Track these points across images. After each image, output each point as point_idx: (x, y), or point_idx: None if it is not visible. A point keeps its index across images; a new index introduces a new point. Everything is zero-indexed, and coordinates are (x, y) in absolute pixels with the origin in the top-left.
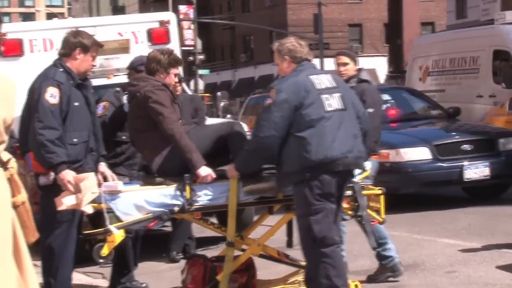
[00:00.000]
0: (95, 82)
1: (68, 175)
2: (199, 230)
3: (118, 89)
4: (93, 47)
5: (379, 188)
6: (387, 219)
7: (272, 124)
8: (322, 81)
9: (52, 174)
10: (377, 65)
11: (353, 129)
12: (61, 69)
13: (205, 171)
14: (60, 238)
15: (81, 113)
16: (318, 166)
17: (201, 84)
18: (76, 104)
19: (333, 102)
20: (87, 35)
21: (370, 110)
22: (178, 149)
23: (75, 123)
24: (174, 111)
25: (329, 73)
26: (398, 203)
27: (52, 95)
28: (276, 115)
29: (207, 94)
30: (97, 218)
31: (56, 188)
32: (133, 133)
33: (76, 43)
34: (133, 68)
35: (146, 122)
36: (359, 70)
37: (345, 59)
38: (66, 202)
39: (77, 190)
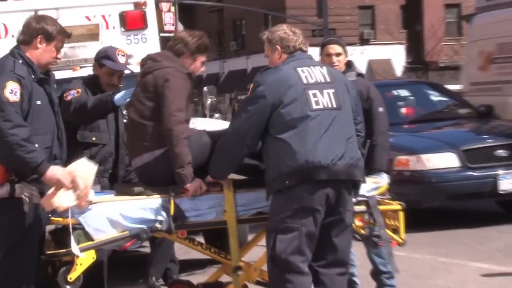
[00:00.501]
0: (59, 74)
1: (57, 170)
2: (182, 252)
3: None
4: (59, 36)
5: (398, 202)
6: (407, 239)
7: (243, 122)
8: (313, 74)
9: (7, 185)
10: (393, 55)
11: (346, 132)
12: (20, 61)
13: (194, 185)
14: (16, 262)
15: (43, 113)
16: (297, 173)
17: None
18: (38, 102)
19: (322, 99)
20: (53, 21)
21: (381, 109)
22: (170, 155)
23: (37, 125)
24: (186, 110)
25: (325, 66)
26: (420, 219)
27: (12, 91)
28: (250, 111)
29: None
30: (63, 236)
31: (13, 202)
32: (134, 117)
33: (38, 30)
34: (97, 61)
35: (157, 108)
36: (349, 63)
37: (337, 48)
38: (63, 202)
39: (74, 185)
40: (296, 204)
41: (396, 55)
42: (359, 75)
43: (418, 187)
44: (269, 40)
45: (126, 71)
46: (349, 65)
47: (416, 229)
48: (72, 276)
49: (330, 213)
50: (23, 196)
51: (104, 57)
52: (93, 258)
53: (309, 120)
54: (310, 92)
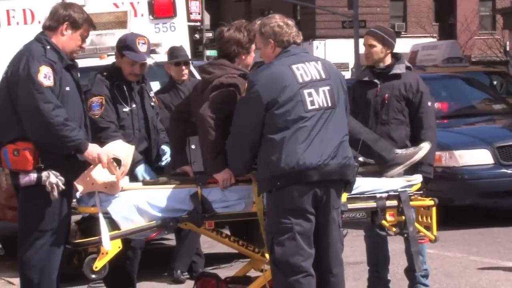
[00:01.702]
0: (85, 62)
1: (97, 148)
2: (208, 245)
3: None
4: (85, 25)
5: (431, 198)
6: (439, 236)
7: (242, 125)
8: (308, 71)
9: (34, 173)
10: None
11: (340, 131)
12: (48, 46)
13: (224, 175)
14: (42, 251)
15: (72, 99)
16: (288, 175)
17: None
18: (67, 88)
19: (317, 99)
20: (81, 10)
21: (430, 103)
22: (202, 143)
23: (66, 111)
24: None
25: (320, 60)
26: (451, 217)
27: (46, 75)
28: (246, 112)
29: None
30: (89, 225)
31: (39, 190)
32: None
33: (65, 16)
34: (118, 50)
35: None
36: (397, 55)
37: (370, 40)
38: (99, 177)
39: (110, 165)
40: (288, 205)
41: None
42: (407, 68)
43: (450, 183)
44: (262, 33)
45: (149, 61)
46: (397, 57)
47: (448, 226)
48: (98, 265)
49: (319, 211)
50: (47, 183)
51: (124, 47)
52: (119, 247)
53: (303, 121)
54: (305, 92)
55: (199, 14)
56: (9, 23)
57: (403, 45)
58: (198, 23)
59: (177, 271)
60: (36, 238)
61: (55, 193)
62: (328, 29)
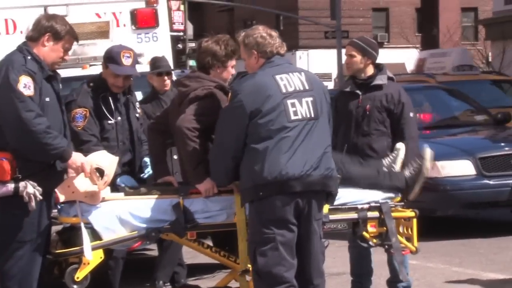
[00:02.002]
0: (67, 72)
1: (80, 156)
2: (191, 256)
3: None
4: (67, 36)
5: (411, 210)
6: (421, 247)
7: (225, 134)
8: (292, 82)
9: (11, 183)
10: (407, 59)
11: (323, 142)
12: (29, 57)
13: (206, 186)
14: (21, 262)
15: (51, 110)
16: (270, 185)
17: None
18: (47, 99)
19: (300, 109)
20: (64, 21)
21: (411, 114)
22: (182, 154)
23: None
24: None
25: (304, 71)
26: (434, 228)
27: (26, 85)
28: (229, 122)
29: None
30: (70, 235)
31: (17, 200)
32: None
33: (46, 28)
34: (103, 61)
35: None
36: (379, 65)
37: (350, 50)
38: (81, 186)
39: (92, 175)
40: (270, 216)
41: (410, 59)
42: (390, 78)
43: (433, 194)
44: (245, 45)
45: (133, 74)
46: (379, 68)
47: (430, 237)
48: (80, 275)
49: (301, 222)
50: (24, 194)
51: (108, 59)
52: (101, 257)
53: (286, 131)
54: (289, 102)
55: (182, 24)
56: None
57: (385, 56)
58: (181, 33)
59: (159, 282)
60: (15, 249)
61: (33, 204)
62: (311, 39)
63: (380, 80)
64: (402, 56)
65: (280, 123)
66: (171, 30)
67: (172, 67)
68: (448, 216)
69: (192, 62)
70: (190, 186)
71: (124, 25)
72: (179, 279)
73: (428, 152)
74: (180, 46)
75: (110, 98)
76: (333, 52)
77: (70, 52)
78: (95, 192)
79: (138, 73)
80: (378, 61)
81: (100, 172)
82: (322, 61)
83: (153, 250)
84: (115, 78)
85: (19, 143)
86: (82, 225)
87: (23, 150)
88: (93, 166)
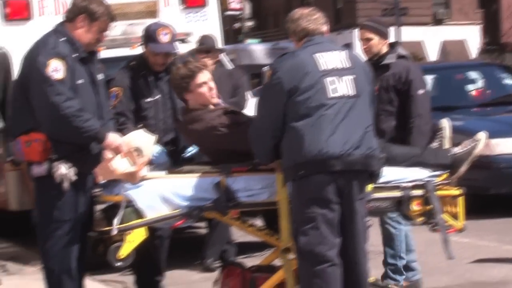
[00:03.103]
0: (116, 52)
1: (117, 137)
2: (241, 234)
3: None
4: (103, 18)
5: (458, 187)
6: (473, 225)
7: (265, 112)
8: (332, 60)
9: (46, 164)
10: (468, 36)
11: (364, 120)
12: (62, 38)
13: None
14: (61, 241)
15: (85, 93)
16: (310, 163)
17: None
18: (80, 82)
19: (340, 87)
20: (100, 2)
21: (421, 91)
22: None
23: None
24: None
25: (346, 50)
26: (486, 206)
27: (55, 69)
28: (268, 99)
29: None
30: (115, 213)
31: (52, 181)
32: None
33: (81, 8)
34: (143, 39)
35: None
36: (393, 44)
37: (366, 33)
38: (120, 167)
39: (130, 155)
40: (310, 195)
41: (471, 36)
42: (402, 57)
43: (486, 172)
44: (287, 28)
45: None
46: (392, 46)
47: (483, 216)
48: (123, 253)
49: (343, 201)
50: (57, 174)
51: (146, 37)
52: (144, 235)
53: (325, 108)
54: (328, 80)
55: (239, 3)
56: (41, 14)
57: (446, 33)
58: (238, 12)
59: (208, 260)
60: (54, 229)
61: (66, 184)
62: (369, 17)
63: (388, 59)
64: (462, 33)
65: (319, 101)
66: (228, 9)
67: (219, 46)
68: (501, 194)
69: (249, 41)
70: (232, 165)
71: (173, 5)
72: (228, 257)
73: (482, 135)
74: (237, 25)
75: (149, 77)
76: (392, 29)
77: (119, 32)
78: (133, 172)
79: (177, 50)
80: (440, 38)
81: (138, 151)
82: None
83: (202, 228)
84: (155, 56)
85: (51, 127)
86: (123, 203)
87: (55, 134)
88: (130, 146)
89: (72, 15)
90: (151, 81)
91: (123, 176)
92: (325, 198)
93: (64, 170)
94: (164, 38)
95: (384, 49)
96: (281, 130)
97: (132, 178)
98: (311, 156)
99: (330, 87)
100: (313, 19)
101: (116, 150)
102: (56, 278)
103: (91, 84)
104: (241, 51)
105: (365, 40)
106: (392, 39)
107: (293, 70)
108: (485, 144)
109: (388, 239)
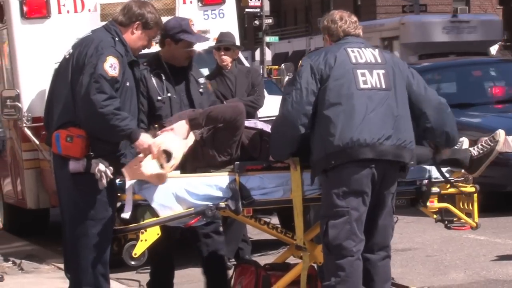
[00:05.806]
0: None
1: (149, 138)
2: (256, 232)
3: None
4: (155, 27)
5: (472, 185)
6: (489, 223)
7: (294, 98)
8: (363, 55)
9: (84, 160)
10: None
11: (396, 113)
12: (117, 38)
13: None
14: (95, 240)
15: (130, 95)
16: (342, 153)
17: (268, 55)
18: (128, 84)
19: (370, 79)
20: (154, 10)
21: None
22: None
23: (125, 107)
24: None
25: (379, 48)
26: (503, 203)
27: (112, 65)
28: (299, 86)
29: (276, 67)
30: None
31: (88, 178)
32: None
33: (138, 15)
34: (171, 36)
35: None
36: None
37: None
38: (148, 169)
39: (160, 156)
40: (345, 187)
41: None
42: None
43: (503, 170)
44: (327, 26)
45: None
46: None
47: (499, 213)
48: (137, 251)
49: (374, 194)
50: (96, 171)
51: (181, 32)
52: (158, 234)
53: (355, 98)
54: (359, 71)
55: (258, 0)
56: (59, 12)
57: None
58: (258, 9)
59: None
60: (89, 226)
61: (104, 182)
62: (389, 13)
63: None
64: None
65: (350, 90)
66: (247, 6)
67: (238, 44)
68: None
69: (268, 39)
70: (246, 163)
71: (191, 2)
72: (244, 255)
73: (501, 134)
74: (256, 22)
75: (162, 75)
76: None
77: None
78: (161, 174)
79: (208, 38)
80: None
81: (168, 154)
82: None
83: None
84: (188, 48)
85: (88, 123)
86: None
87: (91, 130)
88: (161, 149)
89: (127, 21)
90: (163, 79)
91: (150, 177)
92: (359, 190)
93: (103, 167)
94: (195, 28)
95: None
96: (310, 119)
97: (159, 180)
98: (343, 145)
99: (361, 78)
100: (353, 21)
101: (146, 151)
102: (91, 276)
103: (136, 87)
104: (407, 25)
105: None
106: None
107: (325, 59)
108: (504, 142)
109: None
